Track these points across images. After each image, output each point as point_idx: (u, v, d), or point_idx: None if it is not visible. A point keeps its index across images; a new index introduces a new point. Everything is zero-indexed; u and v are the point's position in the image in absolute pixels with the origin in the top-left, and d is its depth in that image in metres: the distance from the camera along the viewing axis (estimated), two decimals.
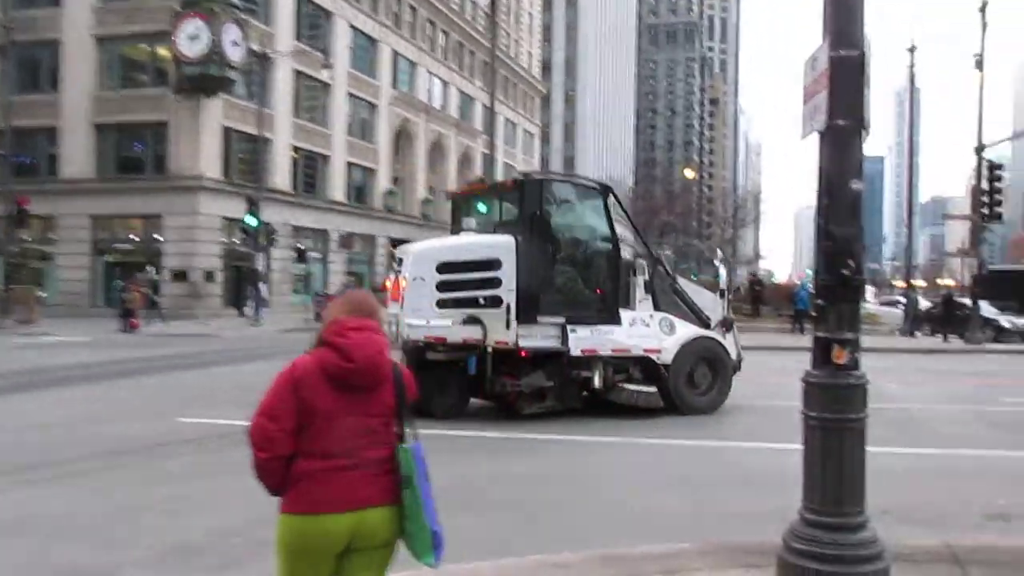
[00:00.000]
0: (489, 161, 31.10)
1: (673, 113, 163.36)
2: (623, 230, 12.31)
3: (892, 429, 10.67)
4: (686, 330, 12.49)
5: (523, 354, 11.41)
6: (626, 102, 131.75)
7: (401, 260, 11.83)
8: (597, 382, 11.75)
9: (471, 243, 11.64)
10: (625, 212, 12.94)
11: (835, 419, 4.67)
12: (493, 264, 11.34)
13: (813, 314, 4.76)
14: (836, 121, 4.71)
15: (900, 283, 79.34)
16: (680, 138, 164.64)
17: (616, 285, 12.00)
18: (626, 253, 12.26)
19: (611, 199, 12.13)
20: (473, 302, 11.33)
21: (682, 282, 13.50)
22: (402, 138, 53.90)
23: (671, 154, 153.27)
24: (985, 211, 29.24)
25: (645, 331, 12.10)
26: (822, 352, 4.69)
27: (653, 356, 12.03)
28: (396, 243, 52.26)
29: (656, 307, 12.51)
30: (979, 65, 29.35)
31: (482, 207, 13.11)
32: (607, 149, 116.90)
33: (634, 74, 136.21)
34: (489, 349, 11.28)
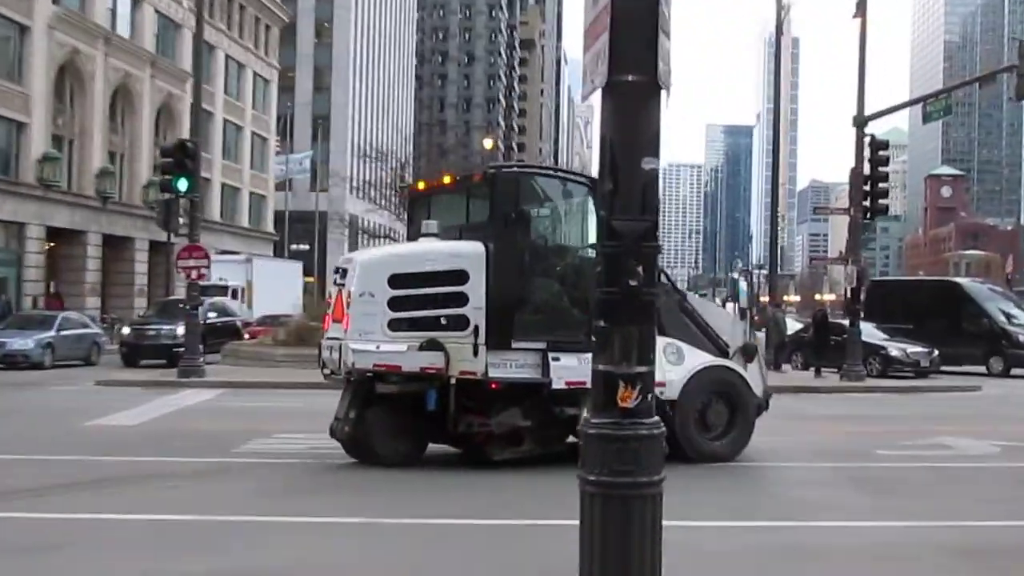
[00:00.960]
0: (197, 116, 28.13)
1: (471, 60, 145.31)
2: None
3: (726, 495, 10.51)
4: (697, 359, 13.01)
5: (494, 387, 11.96)
6: (405, 41, 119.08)
7: (344, 271, 12.30)
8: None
9: (431, 251, 12.17)
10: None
11: (620, 483, 4.59)
12: (458, 277, 11.91)
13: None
14: (622, 76, 4.56)
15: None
16: (480, 94, 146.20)
17: None
18: None
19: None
20: (433, 323, 12.00)
21: (693, 300, 14.06)
22: (70, 78, 48.32)
23: (468, 115, 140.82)
24: (867, 203, 28.24)
25: None
26: (604, 391, 4.71)
27: (656, 391, 12.66)
28: (59, 232, 50.16)
29: (660, 330, 12.43)
30: (860, 7, 28.25)
31: (445, 206, 13.58)
32: (377, 105, 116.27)
33: (415, 1, 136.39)
34: (452, 380, 11.82)
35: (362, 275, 12.11)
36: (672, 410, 12.60)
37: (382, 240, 66.28)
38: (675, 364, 12.89)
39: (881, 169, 28.92)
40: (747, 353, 13.55)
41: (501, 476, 11.51)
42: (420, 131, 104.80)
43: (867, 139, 28.58)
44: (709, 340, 13.47)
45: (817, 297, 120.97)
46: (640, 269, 4.73)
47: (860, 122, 29.20)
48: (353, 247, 72.70)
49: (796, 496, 10.79)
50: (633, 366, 4.78)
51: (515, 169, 12.89)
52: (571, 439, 12.70)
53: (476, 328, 11.80)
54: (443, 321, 11.99)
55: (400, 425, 12.24)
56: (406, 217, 14.29)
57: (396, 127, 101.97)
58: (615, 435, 4.67)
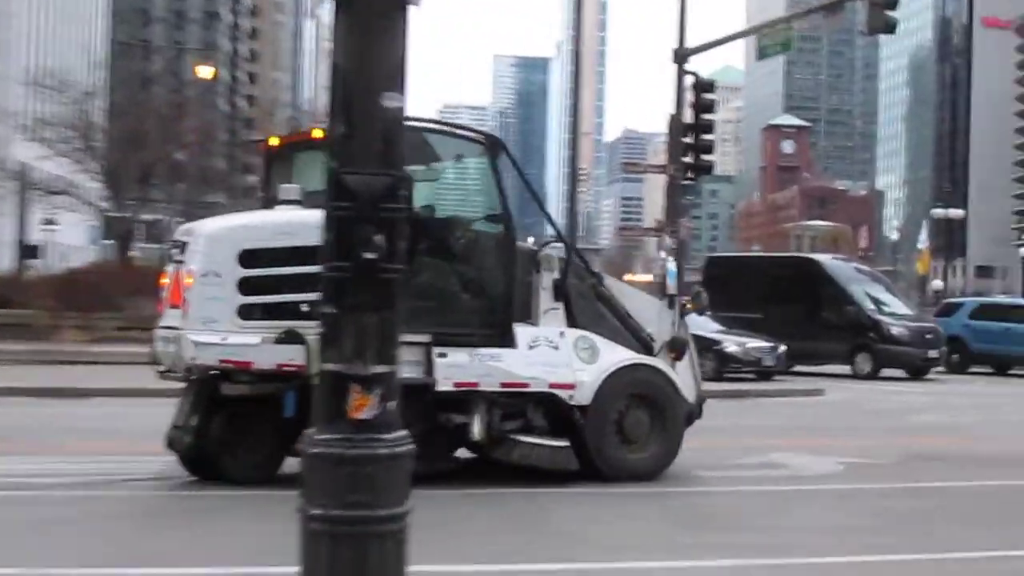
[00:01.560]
0: None
1: None
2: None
3: (499, 532, 10.56)
4: (615, 355, 13.31)
5: None
6: None
7: (183, 245, 12.35)
8: (477, 432, 12.71)
9: (291, 222, 12.26)
10: (523, 177, 13.63)
11: (352, 517, 4.59)
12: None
13: None
14: None
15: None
16: (197, 6, 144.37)
17: (510, 287, 12.84)
18: (524, 239, 12.38)
19: (502, 158, 12.83)
20: (293, 310, 12.19)
21: (611, 283, 14.36)
22: None
23: (180, 34, 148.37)
24: (689, 159, 28.61)
25: (552, 356, 13.09)
26: (332, 398, 4.71)
27: (563, 393, 13.10)
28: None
29: (571, 321, 13.28)
30: None
31: (309, 166, 13.56)
32: (57, 18, 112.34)
33: None
34: (315, 380, 11.23)
35: (206, 250, 12.24)
36: (584, 417, 13.02)
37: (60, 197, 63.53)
38: (588, 362, 13.26)
39: (707, 117, 28.92)
40: (675, 348, 13.95)
41: None
42: (117, 54, 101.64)
43: (689, 79, 28.53)
44: (630, 333, 13.88)
45: (628, 277, 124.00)
46: (380, 238, 4.67)
47: (681, 56, 28.82)
48: (27, 204, 70.24)
49: (594, 532, 10.76)
50: (369, 365, 4.70)
51: None
52: (460, 453, 13.24)
53: None
54: (305, 308, 12.10)
55: (251, 435, 12.53)
56: (260, 179, 14.40)
57: (83, 47, 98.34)
58: (346, 455, 4.60)
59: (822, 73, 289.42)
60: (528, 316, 13.23)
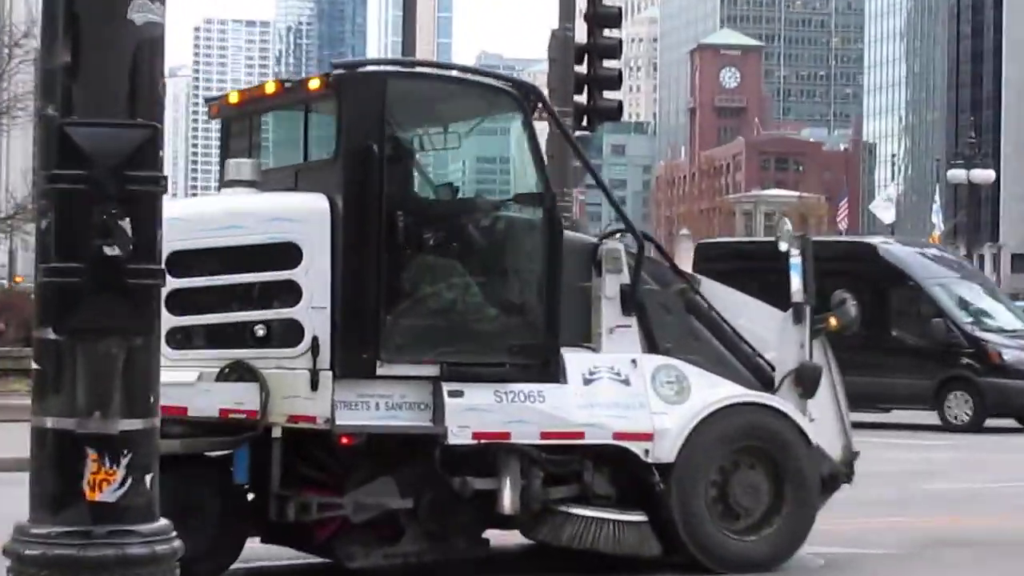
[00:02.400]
0: None
1: None
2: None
3: None
4: (714, 391, 11.22)
5: (346, 441, 10.36)
6: None
7: None
8: (508, 502, 10.54)
9: (238, 212, 10.61)
10: (567, 137, 11.81)
11: None
12: (284, 255, 10.29)
13: None
14: None
15: None
16: None
17: (555, 295, 10.82)
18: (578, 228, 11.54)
19: (538, 112, 11.19)
20: (241, 334, 10.40)
21: (711, 288, 12.28)
22: None
23: None
24: (583, 98, 22.58)
25: (620, 394, 10.89)
26: (55, 469, 3.59)
27: (636, 447, 10.83)
28: None
29: (650, 343, 11.32)
30: None
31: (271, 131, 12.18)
32: None
33: None
34: (276, 431, 10.25)
35: None
36: (667, 481, 10.91)
37: None
38: (673, 402, 11.04)
39: (609, 35, 23.59)
40: (805, 381, 11.62)
41: None
42: None
43: None
44: (739, 359, 11.79)
45: None
46: (127, 224, 3.57)
47: None
48: None
49: None
50: (113, 420, 3.64)
51: (383, 68, 11.45)
52: (492, 532, 11.28)
53: (315, 341, 10.13)
54: (259, 331, 10.36)
55: (187, 510, 9.99)
56: (218, 151, 12.72)
57: None
58: (81, 558, 3.56)
59: None
60: (585, 337, 11.23)
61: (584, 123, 22.42)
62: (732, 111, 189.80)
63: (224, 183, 11.13)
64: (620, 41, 23.92)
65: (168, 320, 9.83)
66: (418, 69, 12.03)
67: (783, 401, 11.46)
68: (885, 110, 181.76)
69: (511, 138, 11.20)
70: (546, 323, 10.83)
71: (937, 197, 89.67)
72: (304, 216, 10.40)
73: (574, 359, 10.93)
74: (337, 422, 10.16)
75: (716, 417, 11.07)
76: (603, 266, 11.22)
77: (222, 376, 10.20)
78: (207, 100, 12.70)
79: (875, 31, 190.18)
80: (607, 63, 22.64)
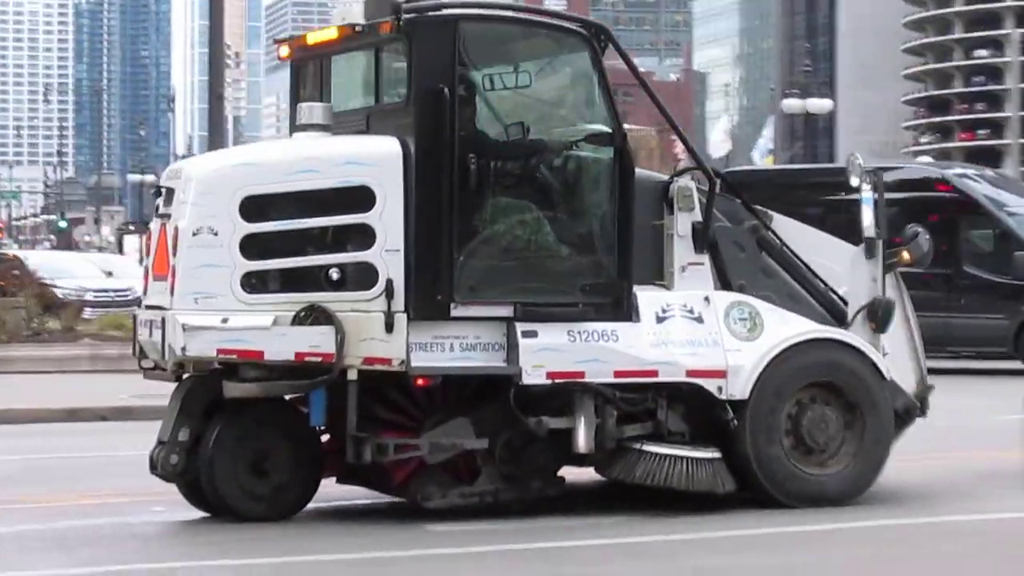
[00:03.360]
0: None
1: None
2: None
3: None
4: (787, 328, 11.10)
5: (422, 383, 10.41)
6: None
7: (169, 192, 10.80)
8: (583, 441, 10.53)
9: (312, 156, 10.54)
10: (638, 77, 11.69)
11: None
12: (359, 199, 10.28)
13: None
14: None
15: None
16: None
17: (627, 234, 10.76)
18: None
19: (606, 51, 10.95)
20: (317, 278, 10.38)
21: (783, 224, 12.08)
22: None
23: None
24: None
25: (693, 332, 10.84)
26: None
27: (710, 384, 10.76)
28: None
29: (723, 281, 11.23)
30: None
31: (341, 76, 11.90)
32: None
33: None
34: (352, 374, 10.24)
35: (198, 198, 10.36)
36: (741, 418, 10.84)
37: None
38: (746, 339, 10.99)
39: None
40: (878, 316, 11.50)
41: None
42: None
43: None
44: (812, 295, 11.72)
45: None
46: None
47: None
48: None
49: None
50: None
51: (454, 11, 11.04)
52: (567, 470, 11.27)
53: (389, 284, 10.14)
54: (333, 275, 10.34)
55: (263, 452, 10.55)
56: (289, 96, 12.37)
57: None
58: None
59: None
60: (657, 276, 11.22)
61: None
62: None
63: (297, 127, 11.07)
64: None
65: (242, 264, 10.15)
66: (488, 11, 11.59)
67: (856, 336, 11.39)
68: (717, 38, 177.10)
69: (581, 77, 11.19)
70: (618, 262, 10.82)
71: (764, 131, 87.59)
72: (377, 160, 10.37)
73: (647, 297, 10.91)
74: (412, 364, 10.20)
75: (789, 353, 11.01)
76: (675, 204, 11.17)
77: (297, 320, 10.19)
78: (277, 41, 12.49)
79: None
80: None
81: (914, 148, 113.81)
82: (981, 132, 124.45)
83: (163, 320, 10.36)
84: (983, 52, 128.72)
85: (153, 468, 10.72)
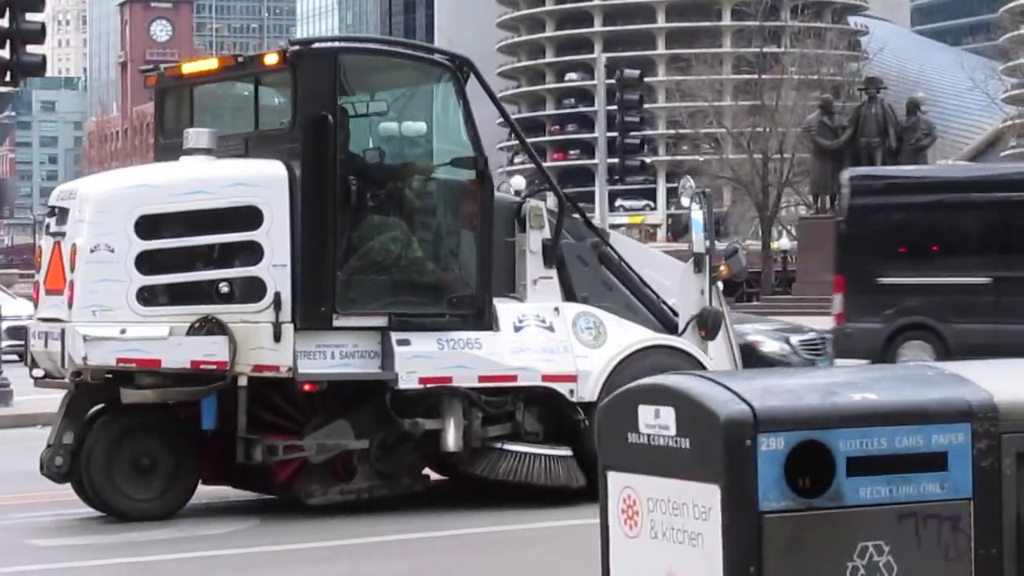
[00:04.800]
0: None
1: None
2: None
3: None
4: (628, 336, 11.94)
5: (308, 388, 11.01)
6: None
7: (62, 212, 11.23)
8: (452, 440, 11.22)
9: (202, 177, 11.10)
10: (498, 106, 12.52)
11: None
12: (247, 218, 10.92)
13: None
14: None
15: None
16: None
17: (487, 251, 11.50)
18: (503, 187, 11.81)
19: (469, 82, 11.70)
20: (208, 291, 10.98)
21: (619, 241, 13.05)
22: None
23: None
24: (6, 52, 20.43)
25: (546, 340, 11.61)
26: None
27: (562, 387, 11.54)
28: None
29: (569, 293, 11.99)
30: None
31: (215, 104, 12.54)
32: None
33: None
34: (242, 381, 10.80)
35: (94, 217, 10.92)
36: (589, 418, 11.42)
37: None
38: (593, 346, 11.83)
39: None
40: (707, 324, 12.42)
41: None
42: None
43: None
44: (646, 306, 12.61)
45: None
46: None
47: None
48: None
49: None
50: None
51: (335, 44, 12.27)
52: (431, 471, 11.98)
53: (277, 297, 10.83)
54: (224, 288, 11.05)
55: (156, 454, 11.13)
56: (153, 122, 13.22)
57: None
58: None
59: None
60: (510, 288, 12.06)
61: (8, 78, 20.82)
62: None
63: (184, 150, 11.44)
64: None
65: (138, 279, 10.73)
66: (365, 44, 12.73)
67: (689, 343, 12.30)
68: None
69: (447, 104, 11.85)
70: (480, 276, 11.58)
71: None
72: (265, 181, 11.01)
73: (504, 309, 11.72)
74: (300, 371, 10.89)
75: (632, 359, 11.84)
76: (527, 222, 11.95)
77: (193, 330, 10.79)
78: (144, 71, 12.75)
79: None
80: (30, 16, 20.92)
81: (508, 168, 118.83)
82: (572, 152, 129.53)
83: (62, 331, 10.78)
84: (573, 75, 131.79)
85: (41, 469, 11.17)
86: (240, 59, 12.61)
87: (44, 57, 21.69)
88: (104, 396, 11.26)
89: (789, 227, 63.40)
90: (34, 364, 11.55)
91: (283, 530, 11.11)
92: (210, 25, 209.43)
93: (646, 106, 33.66)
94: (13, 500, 12.49)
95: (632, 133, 30.94)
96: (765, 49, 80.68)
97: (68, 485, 11.28)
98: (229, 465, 11.36)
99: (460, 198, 11.89)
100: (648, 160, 48.13)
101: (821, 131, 45.42)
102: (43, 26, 21.62)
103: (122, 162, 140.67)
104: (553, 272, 12.02)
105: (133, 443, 11.23)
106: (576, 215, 12.82)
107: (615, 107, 31.19)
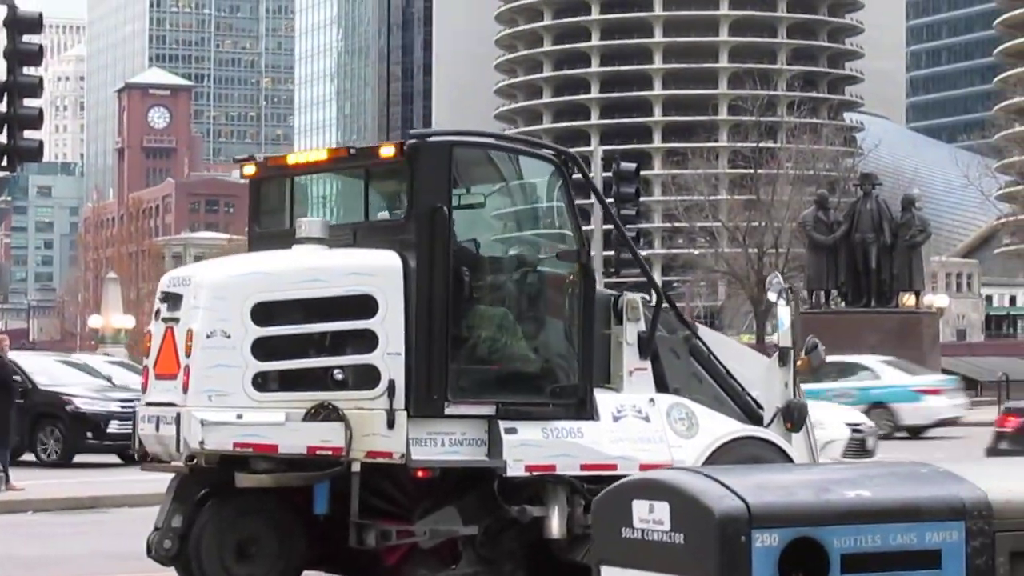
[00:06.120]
0: None
1: None
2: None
3: None
4: (719, 427, 12.11)
5: (421, 475, 11.07)
6: None
7: (175, 298, 11.28)
8: (555, 527, 11.32)
9: (319, 267, 11.24)
10: (601, 202, 13.02)
11: None
12: (362, 306, 10.97)
13: None
14: None
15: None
16: None
17: (589, 343, 11.64)
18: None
19: (574, 176, 11.90)
20: (323, 378, 11.05)
21: (707, 335, 13.20)
22: None
23: None
24: (3, 137, 21.00)
25: (643, 430, 11.76)
26: None
27: None
28: None
29: (661, 384, 12.15)
30: None
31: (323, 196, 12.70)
32: None
33: None
34: (355, 467, 10.90)
35: (210, 304, 10.98)
36: None
37: None
38: (686, 436, 11.97)
39: (30, 72, 22.38)
40: (792, 417, 12.57)
41: None
42: None
43: None
44: (733, 398, 12.75)
45: None
46: None
47: None
48: None
49: None
50: None
51: (450, 138, 12.08)
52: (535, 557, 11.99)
53: (391, 385, 10.86)
54: (338, 375, 11.12)
55: (249, 538, 11.24)
56: (248, 211, 13.18)
57: None
58: None
59: (207, 6, 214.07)
60: (606, 379, 12.18)
61: (5, 163, 21.33)
62: (162, 151, 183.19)
63: (296, 239, 11.63)
64: (41, 79, 23.00)
65: (254, 365, 10.84)
66: (477, 139, 12.76)
67: (775, 435, 12.48)
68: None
69: (553, 198, 12.15)
70: (582, 367, 11.72)
71: None
72: (381, 271, 11.13)
73: (603, 399, 11.85)
74: (413, 457, 10.93)
75: (723, 449, 12.04)
76: (624, 315, 12.15)
77: (309, 416, 10.85)
78: (238, 160, 13.09)
79: (305, 72, 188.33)
80: (28, 101, 21.38)
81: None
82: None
83: (177, 415, 10.85)
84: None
85: (148, 552, 11.28)
86: (352, 150, 12.77)
87: (41, 142, 22.13)
88: (213, 480, 11.29)
89: None
90: (142, 447, 11.61)
91: None
92: (208, 113, 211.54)
93: (642, 199, 33.15)
94: None
95: (628, 226, 30.97)
96: (761, 144, 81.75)
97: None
98: (335, 549, 11.47)
99: (563, 290, 12.01)
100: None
101: (816, 226, 46.25)
102: (40, 111, 21.92)
103: (117, 247, 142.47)
104: (648, 364, 12.17)
105: (243, 526, 11.32)
106: (670, 307, 13.01)
107: (611, 200, 31.44)
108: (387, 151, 11.79)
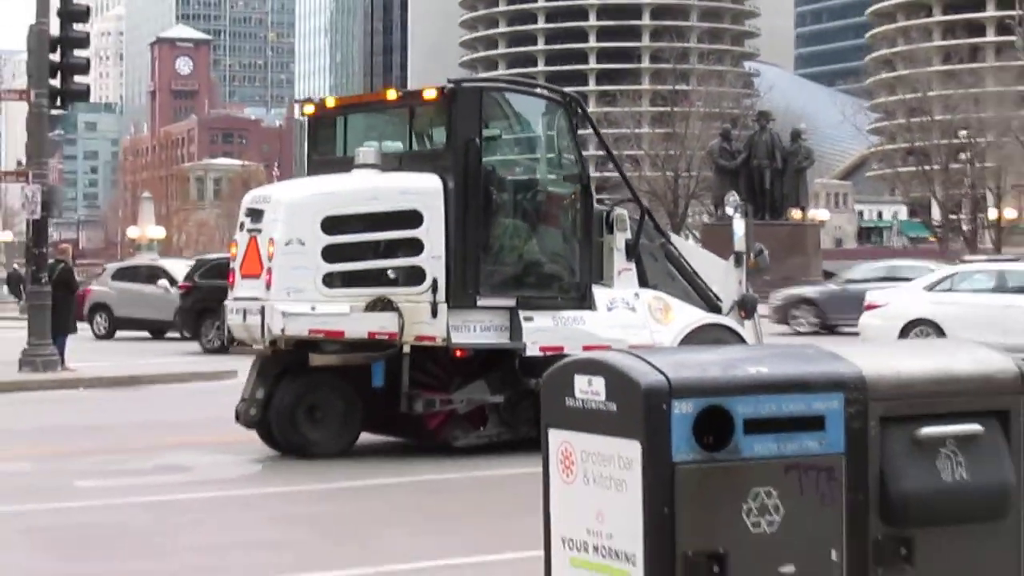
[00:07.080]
0: None
1: None
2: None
3: None
4: (688, 315, 12.39)
5: (459, 354, 11.36)
6: None
7: (258, 213, 11.44)
8: None
9: (376, 188, 11.42)
10: (597, 133, 12.76)
11: None
12: (410, 219, 11.20)
13: None
14: None
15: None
16: None
17: (588, 249, 11.90)
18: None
19: (577, 115, 12.12)
20: (379, 277, 11.30)
21: (678, 242, 13.47)
22: None
23: None
24: (56, 82, 20.57)
25: (630, 317, 12.03)
26: None
27: None
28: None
29: (643, 281, 12.39)
30: None
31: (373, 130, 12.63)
32: None
33: None
34: (406, 348, 11.16)
35: (288, 218, 11.21)
36: None
37: None
38: (663, 323, 12.22)
39: (79, 28, 21.94)
40: (745, 307, 12.98)
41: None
42: None
43: None
44: (699, 293, 12.99)
45: None
46: None
47: None
48: None
49: None
50: None
51: (480, 84, 12.53)
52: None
53: (435, 282, 11.16)
54: (392, 275, 11.38)
55: (329, 406, 11.46)
56: (306, 143, 13.52)
57: None
58: None
59: None
60: (601, 277, 12.40)
61: (59, 103, 21.25)
62: (186, 94, 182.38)
63: (356, 164, 11.75)
64: (88, 34, 23.02)
65: (324, 267, 11.06)
66: (500, 84, 13.16)
67: (733, 322, 12.84)
68: (312, 93, 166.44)
69: (560, 131, 12.24)
70: (583, 268, 11.99)
71: None
72: (425, 190, 11.30)
73: (599, 293, 12.11)
74: (452, 340, 11.22)
75: (692, 333, 12.30)
76: (614, 226, 12.36)
77: (369, 307, 11.08)
78: (299, 101, 13.13)
79: (304, 28, 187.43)
80: (77, 52, 21.19)
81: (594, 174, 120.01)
82: None
83: (262, 308, 11.03)
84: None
85: (237, 418, 11.52)
86: (400, 93, 12.95)
87: (88, 86, 22.03)
88: (290, 360, 11.50)
89: (695, 232, 63.88)
90: (231, 334, 11.83)
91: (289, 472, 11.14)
92: (224, 62, 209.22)
93: (580, 132, 33.97)
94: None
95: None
96: (676, 87, 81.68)
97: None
98: (387, 416, 11.64)
99: (568, 206, 12.15)
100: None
101: (721, 154, 46.83)
102: (87, 60, 21.97)
103: (151, 172, 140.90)
104: (633, 265, 12.39)
105: (313, 397, 11.48)
106: (649, 220, 13.18)
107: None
108: (429, 94, 11.89)
